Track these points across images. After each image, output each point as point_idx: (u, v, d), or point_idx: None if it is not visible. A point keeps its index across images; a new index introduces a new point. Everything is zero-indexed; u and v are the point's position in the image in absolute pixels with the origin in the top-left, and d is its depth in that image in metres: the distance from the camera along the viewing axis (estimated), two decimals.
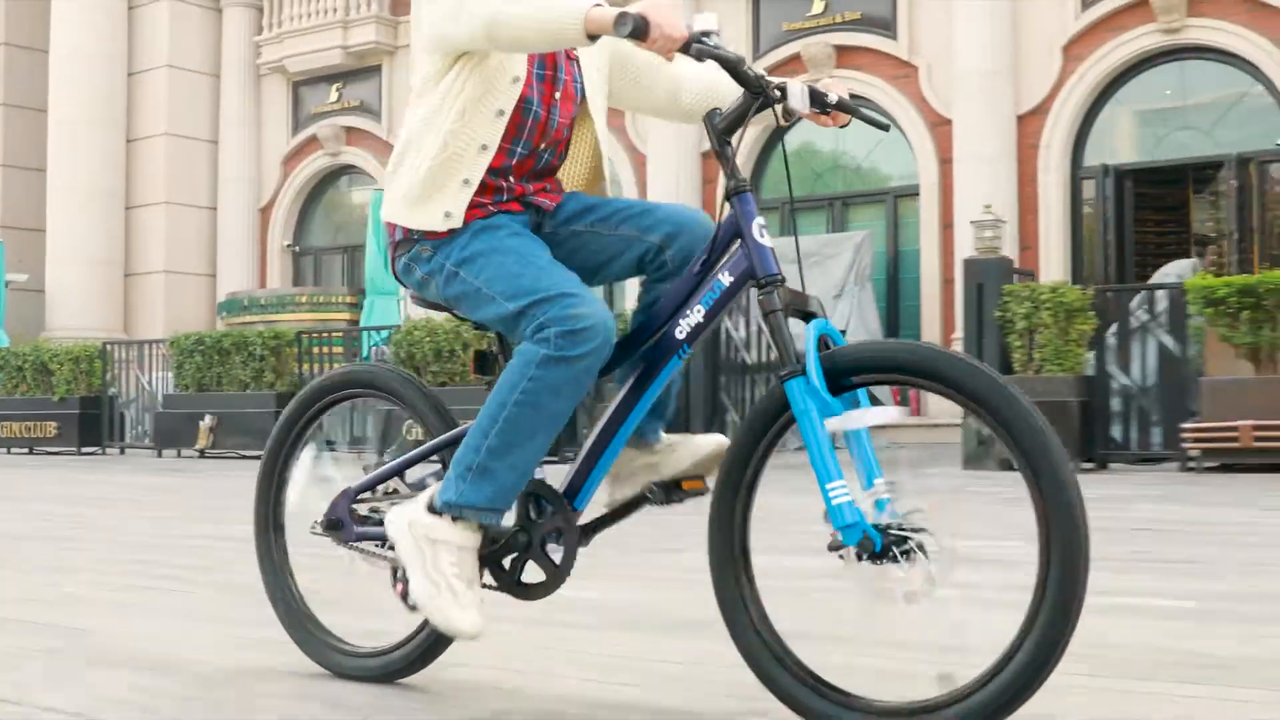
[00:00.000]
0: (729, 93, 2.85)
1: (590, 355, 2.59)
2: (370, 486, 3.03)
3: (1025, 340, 10.81)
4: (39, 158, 25.33)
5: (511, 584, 2.84)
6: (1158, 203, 19.00)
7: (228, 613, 4.23)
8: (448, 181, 2.73)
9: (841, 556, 2.37)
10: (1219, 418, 9.80)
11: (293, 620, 3.21)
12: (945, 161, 18.71)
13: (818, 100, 2.71)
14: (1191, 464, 10.13)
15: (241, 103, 25.35)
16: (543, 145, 2.81)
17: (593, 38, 2.49)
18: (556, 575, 2.79)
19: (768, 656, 2.52)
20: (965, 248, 14.86)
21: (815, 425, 2.40)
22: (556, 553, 2.79)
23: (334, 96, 24.73)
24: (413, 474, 3.05)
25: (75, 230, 24.55)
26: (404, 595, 2.79)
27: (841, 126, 2.83)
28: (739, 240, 2.60)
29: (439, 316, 15.52)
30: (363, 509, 3.03)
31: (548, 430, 2.66)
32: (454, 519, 2.70)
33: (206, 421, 16.12)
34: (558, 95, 2.81)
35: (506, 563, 2.85)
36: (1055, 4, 18.22)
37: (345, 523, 3.01)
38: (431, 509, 2.73)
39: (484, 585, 2.82)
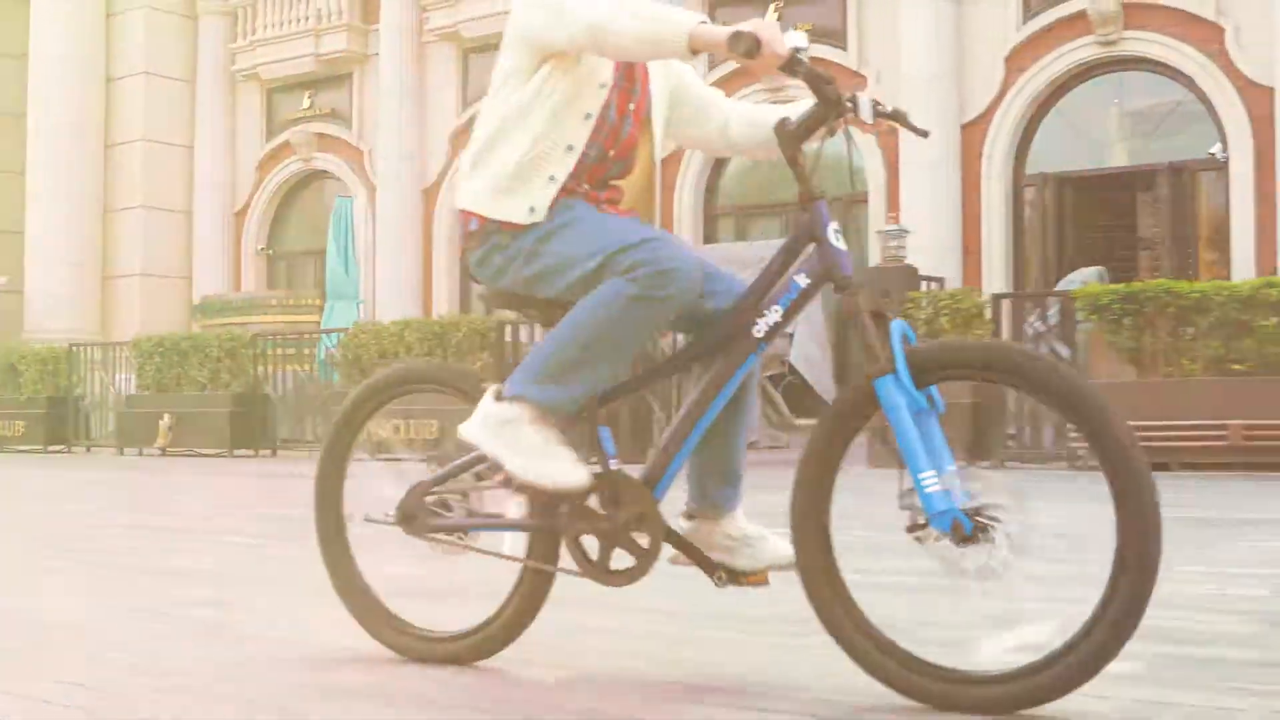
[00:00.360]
0: (760, 118, 3.05)
1: (676, 297, 2.71)
2: (441, 480, 3.11)
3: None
4: (19, 161, 25.86)
5: (599, 570, 2.92)
6: (1103, 209, 19.47)
7: (103, 586, 4.73)
8: (534, 176, 2.84)
9: (918, 539, 2.53)
10: None
11: (360, 606, 3.27)
12: (892, 168, 19.20)
13: (878, 111, 2.91)
14: (1079, 462, 10.62)
15: (216, 109, 25.87)
16: (612, 152, 2.93)
17: (695, 53, 2.63)
18: (643, 561, 2.87)
19: (859, 636, 2.63)
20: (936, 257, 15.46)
21: (906, 419, 2.53)
22: (642, 539, 2.86)
23: (306, 103, 25.25)
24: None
25: (54, 233, 25.08)
26: (507, 483, 2.89)
27: (880, 131, 3.00)
28: (814, 244, 2.73)
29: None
30: (433, 501, 3.12)
31: (617, 361, 2.80)
32: (523, 404, 2.81)
33: (166, 421, 16.64)
34: (631, 107, 2.95)
35: (594, 551, 2.94)
36: (998, 16, 18.72)
37: (419, 515, 3.10)
38: (498, 399, 2.85)
39: (569, 572, 2.96)
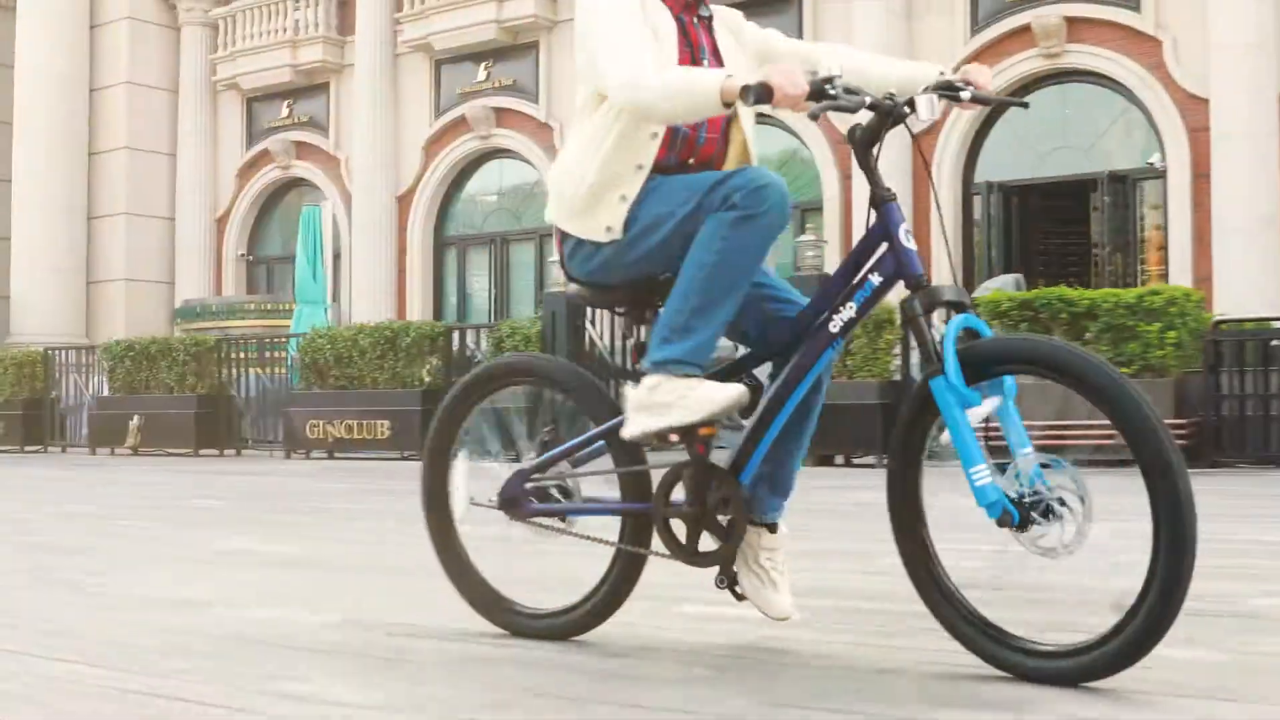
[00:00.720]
0: (876, 78, 3.11)
1: (774, 210, 2.81)
2: (542, 467, 3.21)
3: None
4: (5, 169, 26.48)
5: (688, 553, 3.05)
6: (1049, 216, 20.02)
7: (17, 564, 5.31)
8: (607, 197, 2.97)
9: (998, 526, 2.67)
10: None
11: (469, 588, 3.41)
12: (846, 177, 19.75)
13: (951, 96, 2.95)
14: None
15: (198, 118, 26.48)
16: (691, 160, 3.04)
17: (728, 105, 2.74)
18: (729, 543, 3.01)
19: (950, 610, 2.80)
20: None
21: (958, 415, 2.67)
22: (727, 522, 3.00)
23: (285, 112, 25.85)
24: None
25: (40, 240, 25.71)
26: (679, 442, 2.98)
27: (972, 109, 3.24)
28: (886, 243, 2.83)
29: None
30: (534, 486, 3.23)
31: (739, 288, 2.88)
32: (661, 373, 2.91)
33: (135, 421, 17.22)
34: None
35: (681, 534, 3.05)
36: (946, 30, 19.28)
37: (520, 500, 3.23)
38: (637, 383, 2.96)
39: (659, 555, 3.09)
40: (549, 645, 3.21)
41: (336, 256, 24.96)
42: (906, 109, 2.83)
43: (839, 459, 12.23)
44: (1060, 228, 19.92)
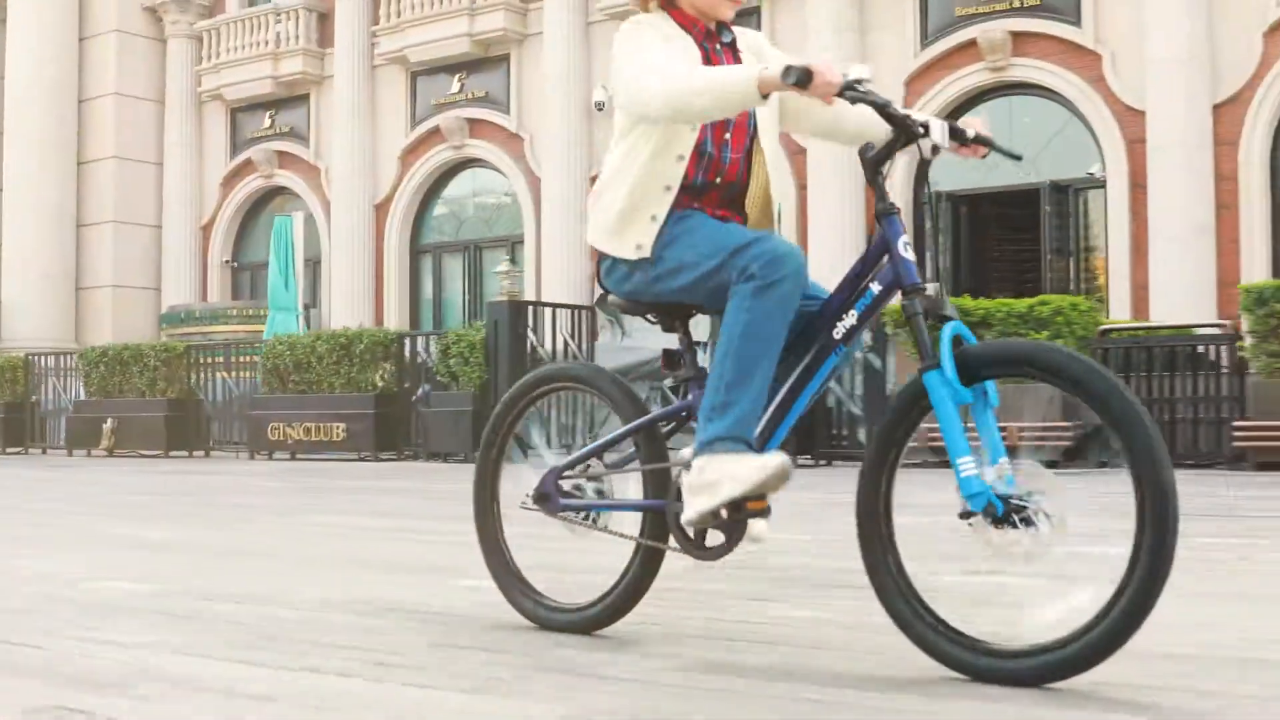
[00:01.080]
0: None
1: (790, 278, 2.91)
2: (574, 464, 3.36)
3: None
4: None
5: (696, 547, 3.14)
6: (1005, 225, 20.64)
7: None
8: (637, 218, 3.10)
9: (970, 524, 2.70)
10: None
11: (506, 582, 3.53)
12: (801, 188, 20.38)
13: (957, 135, 3.03)
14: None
15: (184, 128, 27.20)
16: (718, 179, 3.14)
17: (765, 97, 2.84)
18: (731, 538, 3.09)
19: (909, 611, 2.82)
20: (820, 268, 16.54)
21: (950, 409, 2.73)
22: (732, 519, 3.06)
23: (267, 123, 26.55)
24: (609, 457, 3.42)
25: (30, 247, 26.46)
26: (730, 517, 3.02)
27: (981, 158, 3.16)
28: (887, 254, 2.92)
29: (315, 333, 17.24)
30: (567, 484, 3.37)
31: (770, 355, 2.95)
32: (709, 453, 2.98)
33: (109, 424, 17.93)
34: (728, 136, 3.14)
35: (690, 531, 3.16)
36: (896, 44, 19.89)
37: (553, 495, 3.36)
38: (689, 467, 3.03)
39: (675, 549, 3.19)
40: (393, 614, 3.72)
41: (316, 263, 25.77)
42: (921, 130, 2.92)
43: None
44: (1012, 235, 20.53)
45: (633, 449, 3.29)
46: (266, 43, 26.04)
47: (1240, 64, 17.63)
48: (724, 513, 2.99)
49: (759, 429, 3.01)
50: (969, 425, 2.76)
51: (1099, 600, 2.59)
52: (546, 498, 3.36)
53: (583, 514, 3.34)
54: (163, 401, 17.49)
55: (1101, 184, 18.70)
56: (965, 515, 2.69)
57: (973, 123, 3.10)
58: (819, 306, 3.05)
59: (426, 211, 25.18)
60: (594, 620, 3.32)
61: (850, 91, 2.81)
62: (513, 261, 23.60)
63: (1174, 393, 11.56)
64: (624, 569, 3.29)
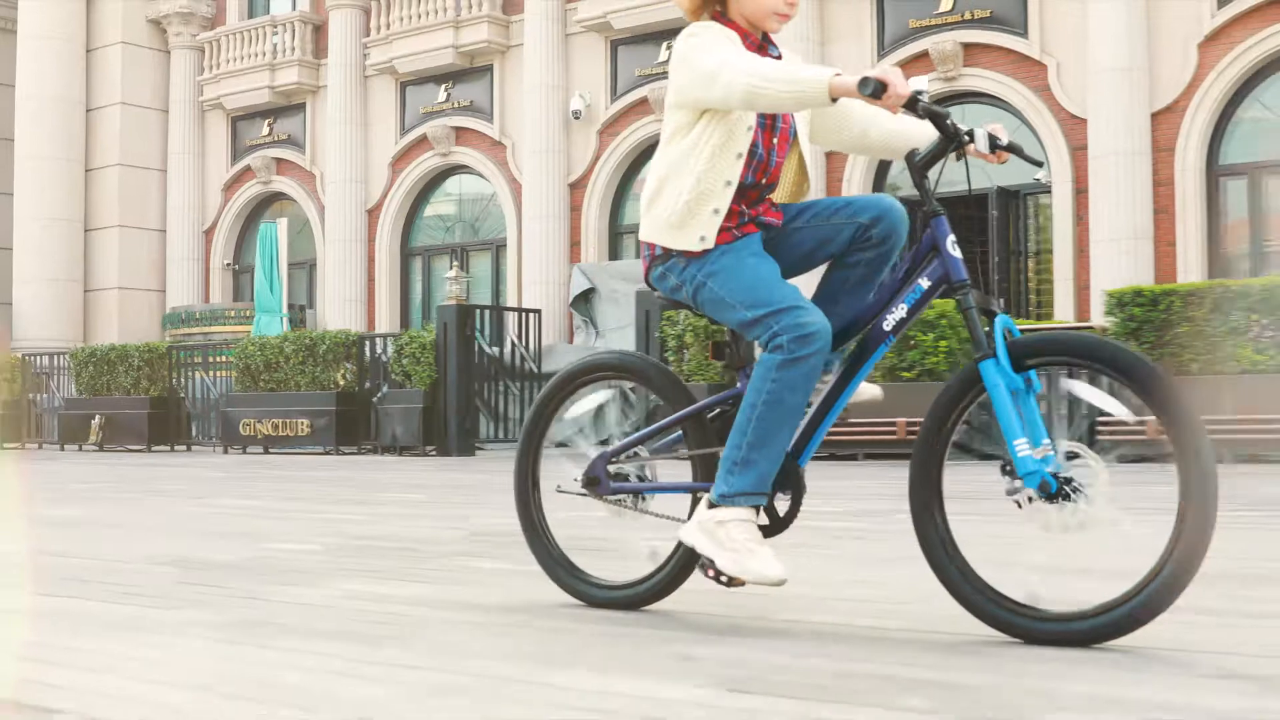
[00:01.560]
0: (914, 134, 3.39)
1: (816, 354, 3.07)
2: (622, 450, 3.48)
3: (678, 356, 13.37)
4: (6, 183, 28.37)
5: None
6: (956, 228, 21.27)
7: None
8: (701, 210, 3.22)
9: (1017, 502, 2.88)
10: None
11: (550, 562, 3.64)
12: (518, 220, 21.31)
13: (993, 143, 3.21)
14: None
15: (186, 136, 28.26)
16: (764, 179, 3.31)
17: (834, 100, 2.96)
18: (785, 518, 3.28)
19: (961, 581, 2.99)
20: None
21: (1004, 395, 2.92)
22: (783, 502, 3.27)
23: (265, 131, 27.57)
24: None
25: (40, 251, 27.57)
26: (716, 577, 3.19)
27: (1002, 163, 3.30)
28: (935, 252, 3.13)
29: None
30: (614, 469, 3.49)
31: (792, 422, 3.15)
32: (730, 505, 3.17)
33: (97, 420, 18.94)
34: (775, 139, 3.31)
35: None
36: (854, 54, 20.64)
37: (602, 480, 3.48)
38: (711, 505, 3.20)
39: None
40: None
41: (313, 266, 26.79)
42: (968, 138, 3.11)
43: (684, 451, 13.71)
44: (962, 239, 21.15)
45: (677, 434, 3.44)
46: (264, 54, 27.04)
47: (1177, 74, 18.30)
48: (711, 572, 3.18)
49: (812, 413, 3.23)
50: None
51: (1144, 567, 2.76)
52: (596, 481, 3.49)
53: (629, 497, 3.47)
54: (145, 399, 18.49)
55: (1048, 189, 19.40)
56: (1012, 492, 2.89)
57: (999, 131, 3.26)
58: (856, 228, 3.31)
59: (416, 216, 26.11)
60: (641, 597, 3.46)
61: (919, 103, 2.98)
62: (498, 263, 24.55)
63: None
64: (672, 549, 3.42)
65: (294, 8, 27.39)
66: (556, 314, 22.61)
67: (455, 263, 21.35)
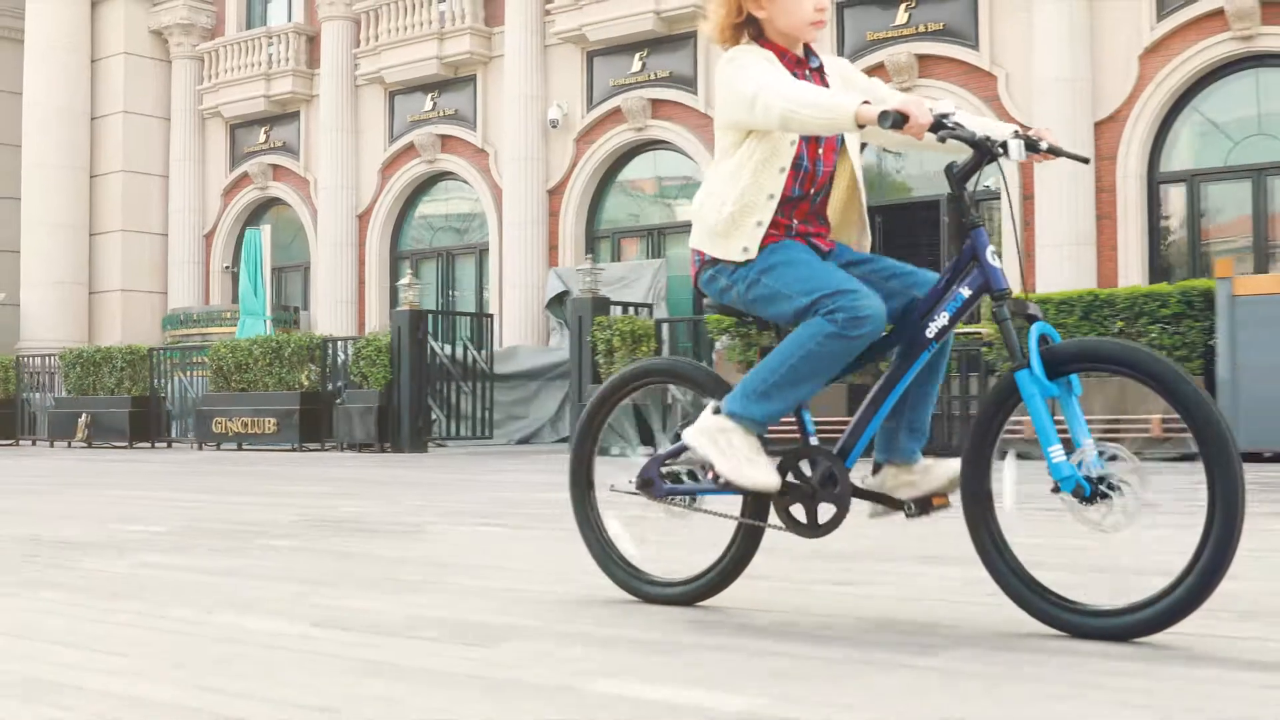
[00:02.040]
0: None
1: (865, 337, 3.18)
2: (674, 453, 3.56)
3: (608, 359, 14.13)
4: (14, 189, 29.42)
5: (806, 528, 3.40)
6: (908, 234, 21.99)
7: None
8: (745, 222, 3.34)
9: (1061, 501, 3.00)
10: None
11: (604, 558, 3.75)
12: (499, 227, 22.08)
13: (1032, 146, 3.27)
14: None
15: (187, 143, 29.23)
16: (811, 190, 3.41)
17: (861, 127, 3.08)
18: (835, 516, 3.36)
19: (1008, 572, 3.11)
20: None
21: (1039, 403, 3.02)
22: (832, 498, 3.36)
23: (262, 138, 28.50)
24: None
25: (46, 255, 28.59)
26: (715, 479, 3.37)
27: (1046, 161, 3.39)
28: (975, 261, 3.19)
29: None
30: (667, 471, 3.58)
31: (817, 383, 3.27)
32: (735, 422, 3.32)
33: (83, 419, 19.87)
34: (820, 151, 3.40)
35: (799, 513, 3.41)
36: None
37: (655, 481, 3.58)
38: (716, 413, 3.36)
39: (776, 528, 3.44)
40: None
41: (307, 269, 27.71)
42: (1000, 150, 3.18)
43: (614, 450, 14.47)
44: (910, 245, 21.86)
45: None
46: (260, 64, 27.97)
47: (1119, 84, 18.92)
48: (710, 473, 3.37)
49: (858, 417, 3.35)
50: (1057, 417, 3.04)
51: (1178, 567, 2.86)
52: (650, 483, 3.58)
53: (683, 498, 3.55)
54: (128, 399, 19.40)
55: (997, 195, 20.04)
56: (1055, 490, 2.99)
57: (1044, 134, 3.32)
58: (908, 281, 3.37)
59: (405, 220, 26.96)
60: (695, 593, 3.58)
61: (942, 129, 3.09)
62: (481, 268, 25.36)
63: (951, 391, 12.98)
64: (726, 546, 3.54)
65: (289, 19, 28.30)
66: (534, 316, 23.41)
67: (410, 270, 22.14)
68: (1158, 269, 18.86)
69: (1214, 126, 18.66)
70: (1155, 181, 18.92)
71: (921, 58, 20.48)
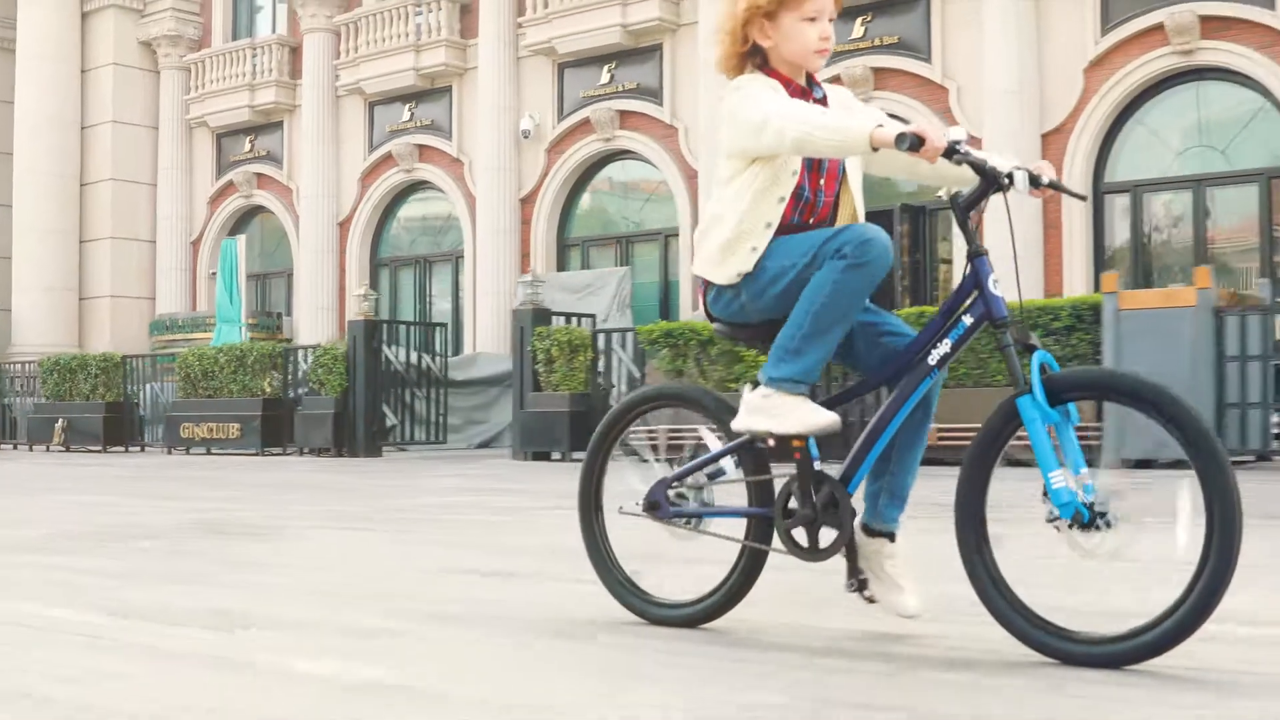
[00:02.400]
0: (962, 169, 3.34)
1: (877, 260, 3.18)
2: (681, 476, 3.59)
3: (547, 367, 14.69)
4: (6, 196, 30.11)
5: (808, 551, 3.40)
6: None
7: None
8: (739, 249, 3.35)
9: (1056, 528, 2.97)
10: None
11: (610, 579, 3.74)
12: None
13: (1034, 181, 3.29)
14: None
15: (175, 152, 29.89)
16: (811, 220, 3.42)
17: (875, 150, 3.06)
18: (836, 541, 3.36)
19: (1000, 600, 3.08)
20: None
21: (1040, 429, 3.02)
22: (833, 524, 3.35)
23: (247, 147, 29.13)
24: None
25: (36, 262, 29.27)
26: (776, 448, 3.36)
27: (1046, 198, 3.39)
28: (977, 290, 3.22)
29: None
30: (673, 494, 3.60)
31: (844, 322, 3.27)
32: (775, 388, 3.31)
33: (60, 424, 20.51)
34: (821, 181, 3.41)
35: (801, 536, 3.42)
36: None
37: (662, 503, 3.59)
38: (755, 389, 3.37)
39: (780, 551, 3.44)
40: None
41: (289, 275, 28.34)
42: (1007, 181, 3.24)
43: (553, 454, 15.07)
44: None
45: (733, 461, 3.55)
46: (245, 75, 28.59)
47: (1065, 96, 19.41)
48: (771, 441, 3.34)
49: (860, 443, 3.33)
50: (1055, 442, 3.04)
51: (1174, 593, 2.85)
52: (656, 505, 3.60)
53: (688, 521, 3.58)
54: (101, 404, 20.04)
55: (949, 205, 20.50)
56: (1051, 519, 2.97)
57: (1045, 168, 3.34)
58: (904, 342, 3.37)
59: (384, 228, 27.56)
60: (698, 615, 3.58)
61: (956, 154, 3.11)
62: (456, 274, 25.93)
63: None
64: (729, 570, 3.54)
65: (273, 30, 28.92)
66: (506, 322, 23.93)
67: (364, 283, 22.76)
68: (1101, 278, 19.33)
69: (1157, 138, 19.13)
70: (1100, 191, 19.40)
71: (877, 71, 20.96)
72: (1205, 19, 18.28)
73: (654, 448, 3.68)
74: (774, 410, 3.29)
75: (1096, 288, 19.20)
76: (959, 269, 20.09)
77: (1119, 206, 19.43)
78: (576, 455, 14.71)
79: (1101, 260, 19.46)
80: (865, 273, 3.18)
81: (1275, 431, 11.10)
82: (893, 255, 3.25)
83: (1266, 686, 2.81)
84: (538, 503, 8.86)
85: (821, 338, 3.25)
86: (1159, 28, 18.56)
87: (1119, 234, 19.53)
